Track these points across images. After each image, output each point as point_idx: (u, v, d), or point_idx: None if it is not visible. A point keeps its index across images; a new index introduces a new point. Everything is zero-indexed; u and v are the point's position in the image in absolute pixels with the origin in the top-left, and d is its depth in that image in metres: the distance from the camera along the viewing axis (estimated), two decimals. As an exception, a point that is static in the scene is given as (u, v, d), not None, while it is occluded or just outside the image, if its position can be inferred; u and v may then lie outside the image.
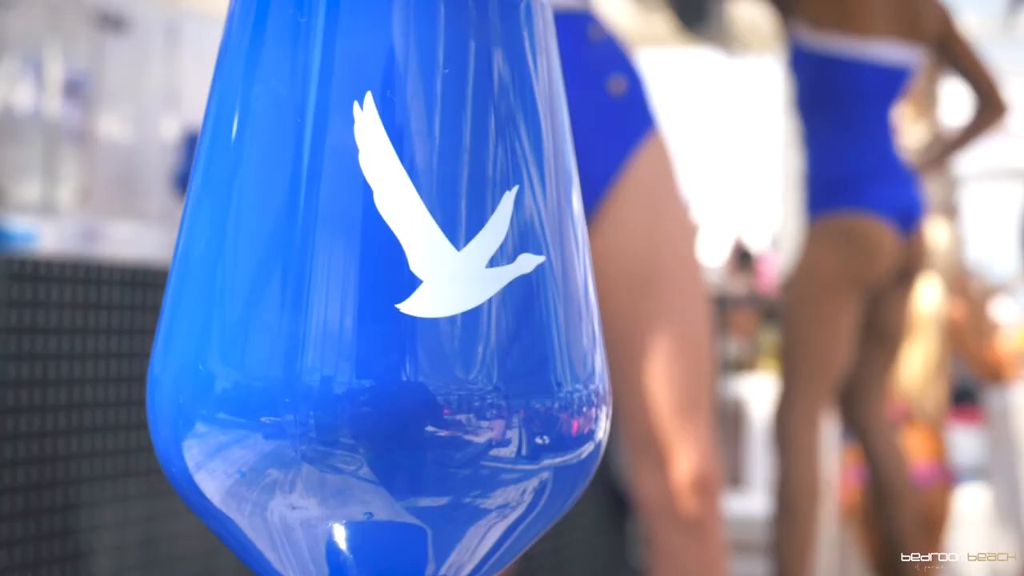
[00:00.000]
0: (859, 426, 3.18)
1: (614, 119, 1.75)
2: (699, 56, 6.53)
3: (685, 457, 1.71)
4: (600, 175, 1.74)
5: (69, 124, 2.33)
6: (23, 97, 2.28)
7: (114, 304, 1.89)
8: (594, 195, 1.73)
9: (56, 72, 2.32)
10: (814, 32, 2.99)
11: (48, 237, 1.89)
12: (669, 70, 6.73)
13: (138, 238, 2.06)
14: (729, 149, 8.54)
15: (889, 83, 3.02)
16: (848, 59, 2.98)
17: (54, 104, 2.31)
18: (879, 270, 2.98)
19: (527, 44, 0.62)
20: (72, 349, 1.81)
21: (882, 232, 2.95)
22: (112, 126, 2.44)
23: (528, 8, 0.62)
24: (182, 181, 2.74)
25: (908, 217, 3.00)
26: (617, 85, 1.75)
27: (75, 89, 2.34)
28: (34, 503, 1.76)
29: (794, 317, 3.01)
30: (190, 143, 2.74)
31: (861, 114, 3.02)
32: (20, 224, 1.87)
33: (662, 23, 5.15)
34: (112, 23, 2.38)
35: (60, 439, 1.80)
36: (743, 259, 5.61)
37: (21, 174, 2.26)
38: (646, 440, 1.72)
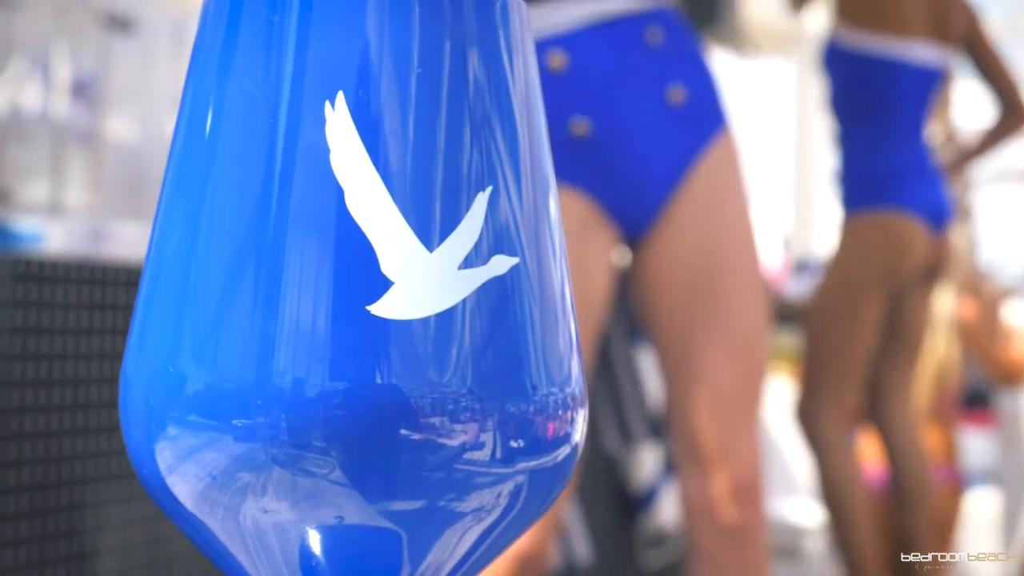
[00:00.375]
0: (881, 425, 3.17)
1: (676, 129, 1.71)
2: (710, 57, 6.50)
3: (731, 464, 1.70)
4: (662, 185, 1.71)
5: (76, 125, 2.33)
6: (30, 98, 2.28)
7: (120, 305, 1.89)
8: (655, 204, 1.70)
9: (63, 73, 2.32)
10: (850, 31, 2.99)
11: (55, 238, 1.89)
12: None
13: (145, 239, 2.05)
14: (741, 150, 8.50)
15: (924, 84, 3.01)
16: (885, 59, 2.97)
17: (61, 105, 2.30)
18: (910, 268, 2.99)
19: (503, 44, 0.61)
20: (78, 350, 1.81)
21: (916, 231, 2.96)
22: (119, 127, 2.43)
23: (504, 7, 0.62)
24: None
25: (939, 218, 3.01)
26: (676, 94, 1.71)
27: (82, 90, 2.34)
28: (39, 503, 1.76)
29: (824, 309, 3.00)
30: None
31: (897, 114, 3.01)
32: (27, 225, 1.87)
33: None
34: (119, 24, 2.38)
35: (65, 439, 1.80)
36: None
37: (28, 175, 2.26)
38: (692, 445, 1.71)
